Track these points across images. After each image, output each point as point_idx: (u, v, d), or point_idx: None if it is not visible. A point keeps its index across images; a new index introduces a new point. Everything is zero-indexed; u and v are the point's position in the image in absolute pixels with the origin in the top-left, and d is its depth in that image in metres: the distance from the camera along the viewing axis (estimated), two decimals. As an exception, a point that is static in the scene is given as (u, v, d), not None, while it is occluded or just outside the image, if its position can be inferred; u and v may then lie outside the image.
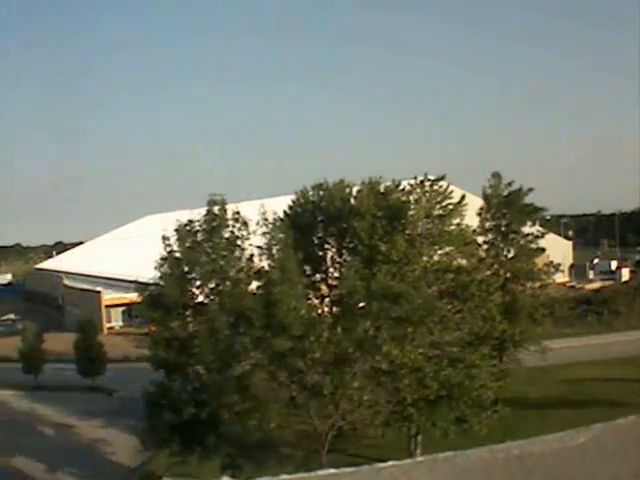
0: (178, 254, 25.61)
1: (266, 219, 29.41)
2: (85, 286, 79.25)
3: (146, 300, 26.66)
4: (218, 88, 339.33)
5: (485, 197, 35.22)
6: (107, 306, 69.15)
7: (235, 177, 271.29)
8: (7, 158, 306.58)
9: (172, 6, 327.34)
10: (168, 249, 25.61)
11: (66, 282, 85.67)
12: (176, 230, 25.71)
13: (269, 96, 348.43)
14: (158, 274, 25.77)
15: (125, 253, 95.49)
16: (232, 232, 25.81)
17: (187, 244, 25.53)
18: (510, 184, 34.68)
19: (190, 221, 25.79)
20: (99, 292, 71.62)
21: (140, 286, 26.62)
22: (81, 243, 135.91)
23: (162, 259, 25.61)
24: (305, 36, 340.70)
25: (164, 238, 25.60)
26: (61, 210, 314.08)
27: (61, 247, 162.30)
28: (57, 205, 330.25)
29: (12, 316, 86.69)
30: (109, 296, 70.23)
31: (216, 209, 25.72)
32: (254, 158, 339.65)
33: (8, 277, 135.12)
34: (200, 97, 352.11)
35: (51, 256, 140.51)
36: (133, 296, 69.02)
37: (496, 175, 34.72)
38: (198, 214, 26.12)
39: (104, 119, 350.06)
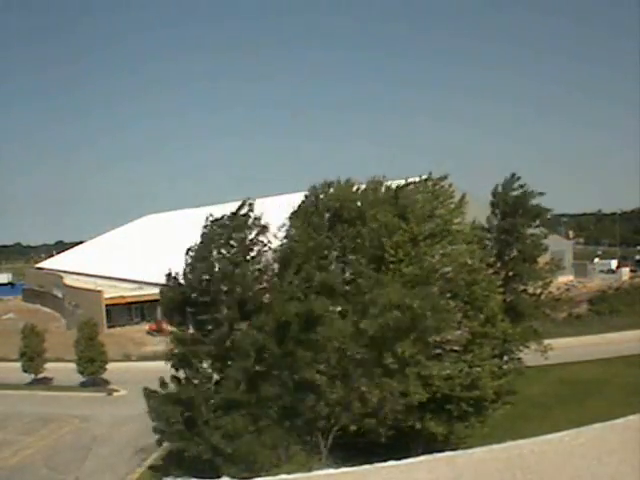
0: (201, 251, 25.76)
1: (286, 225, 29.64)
2: (86, 285, 79.22)
3: (166, 298, 26.71)
4: (219, 88, 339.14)
5: (496, 196, 35.36)
6: (107, 305, 69.12)
7: (235, 176, 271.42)
8: (8, 158, 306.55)
9: (171, 4, 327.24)
10: (195, 246, 25.83)
11: (67, 281, 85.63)
12: (206, 228, 25.89)
13: (270, 95, 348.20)
14: (181, 272, 25.97)
15: (125, 253, 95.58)
16: (250, 234, 25.99)
17: (210, 241, 25.71)
18: (522, 186, 34.82)
19: (216, 219, 25.98)
20: (100, 291, 71.57)
21: (168, 280, 26.65)
22: (81, 242, 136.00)
23: (188, 255, 25.81)
24: (308, 37, 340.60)
25: (203, 236, 25.78)
26: (61, 210, 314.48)
27: (62, 246, 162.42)
28: (57, 205, 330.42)
29: (12, 315, 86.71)
30: (109, 295, 70.19)
31: (243, 211, 25.95)
32: (254, 157, 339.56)
33: (8, 276, 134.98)
34: (200, 97, 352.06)
35: (52, 255, 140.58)
36: (133, 295, 69.55)
37: (513, 176, 34.99)
38: (224, 215, 26.34)
39: (104, 119, 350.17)
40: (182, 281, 26.02)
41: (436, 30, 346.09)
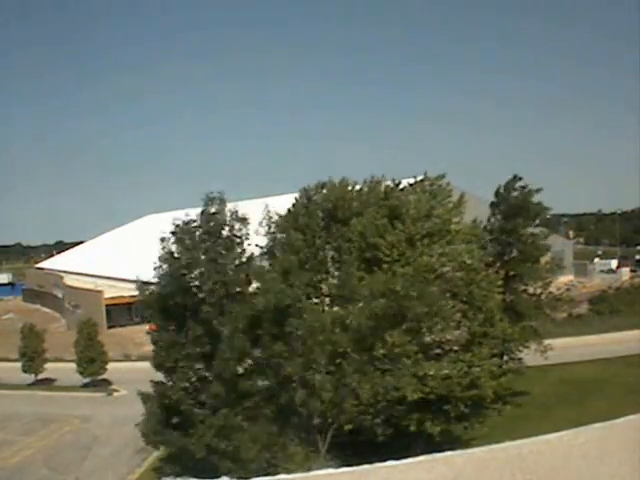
0: (177, 254, 25.38)
1: (270, 218, 29.36)
2: (86, 285, 79.16)
3: (147, 301, 26.51)
4: (218, 88, 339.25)
5: (497, 196, 35.45)
6: (107, 305, 69.08)
7: (235, 177, 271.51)
8: (8, 158, 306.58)
9: (171, 6, 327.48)
10: (167, 249, 25.37)
11: (67, 281, 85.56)
12: (175, 230, 25.45)
13: (269, 96, 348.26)
14: (158, 274, 25.61)
15: (125, 253, 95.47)
16: (231, 231, 25.60)
17: (185, 243, 25.32)
18: (524, 187, 34.92)
19: (189, 221, 25.56)
20: (100, 291, 71.52)
21: (142, 286, 26.43)
22: (81, 242, 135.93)
23: (161, 259, 25.40)
24: (307, 39, 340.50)
25: (162, 240, 25.34)
26: (61, 210, 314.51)
27: (62, 246, 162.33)
28: (57, 205, 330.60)
29: (11, 315, 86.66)
30: (109, 295, 70.13)
31: (214, 208, 25.48)
32: (254, 157, 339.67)
33: (8, 276, 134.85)
34: (200, 97, 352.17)
35: (52, 255, 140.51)
36: (133, 295, 69.36)
37: (515, 177, 35.11)
38: (196, 214, 25.94)
39: (104, 119, 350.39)
40: (154, 285, 25.75)
41: (436, 31, 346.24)
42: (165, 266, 25.14)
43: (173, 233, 25.21)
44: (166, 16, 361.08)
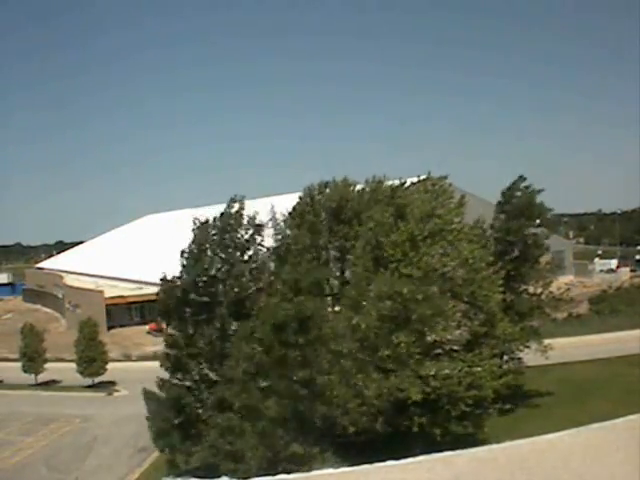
0: (194, 253, 25.55)
1: (276, 219, 29.44)
2: (86, 285, 79.13)
3: (163, 299, 26.56)
4: (218, 88, 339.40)
5: (504, 196, 35.50)
6: (108, 305, 69.06)
7: (234, 177, 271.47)
8: (8, 158, 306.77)
9: (173, 9, 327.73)
10: (187, 248, 25.58)
11: (67, 281, 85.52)
12: (195, 230, 25.63)
13: (269, 97, 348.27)
14: (181, 272, 25.80)
15: (125, 253, 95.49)
16: (246, 235, 25.75)
17: (201, 244, 25.50)
18: (528, 187, 34.96)
19: (206, 221, 25.73)
20: (101, 291, 71.50)
21: (163, 283, 26.49)
22: (81, 242, 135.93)
23: (181, 258, 25.59)
24: (308, 41, 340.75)
25: (193, 238, 25.51)
26: (61, 210, 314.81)
27: (62, 246, 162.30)
28: (57, 205, 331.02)
29: (11, 315, 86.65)
30: (110, 295, 70.10)
31: (234, 209, 25.64)
32: (254, 158, 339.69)
33: (8, 276, 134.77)
34: (200, 97, 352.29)
35: (52, 255, 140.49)
36: (134, 295, 69.46)
37: (521, 178, 35.19)
38: (213, 215, 26.13)
39: (105, 120, 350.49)
40: (178, 283, 25.84)
41: (438, 33, 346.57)
42: (184, 265, 25.34)
43: (196, 230, 25.40)
44: (170, 22, 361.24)
